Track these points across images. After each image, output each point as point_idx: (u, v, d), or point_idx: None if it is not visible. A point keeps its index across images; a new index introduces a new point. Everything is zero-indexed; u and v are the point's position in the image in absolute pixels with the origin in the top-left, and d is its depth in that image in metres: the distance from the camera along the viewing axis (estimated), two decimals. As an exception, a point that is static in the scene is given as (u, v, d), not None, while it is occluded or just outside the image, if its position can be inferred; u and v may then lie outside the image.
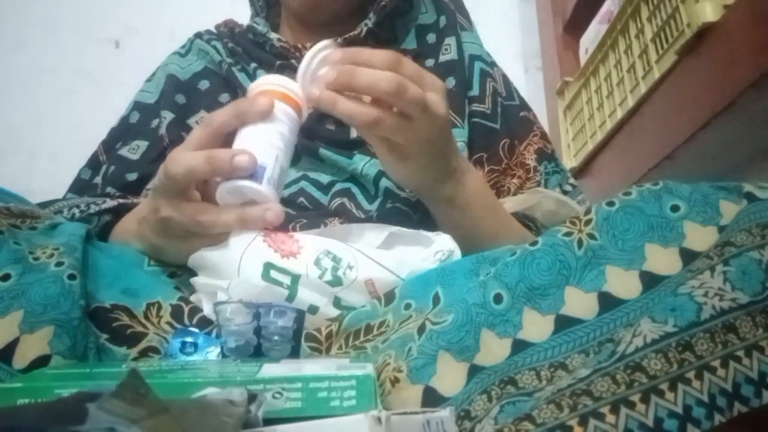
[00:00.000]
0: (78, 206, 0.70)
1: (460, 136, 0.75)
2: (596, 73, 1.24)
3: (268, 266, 0.51)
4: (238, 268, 0.52)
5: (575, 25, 1.43)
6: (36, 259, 0.48)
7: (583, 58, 1.35)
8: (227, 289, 0.52)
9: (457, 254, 0.56)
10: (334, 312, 0.51)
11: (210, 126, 0.54)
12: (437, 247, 0.56)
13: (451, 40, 0.80)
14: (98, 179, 0.80)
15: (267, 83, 0.56)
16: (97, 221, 0.69)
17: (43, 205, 0.70)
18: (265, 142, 0.54)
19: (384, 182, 0.70)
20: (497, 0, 1.61)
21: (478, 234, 0.63)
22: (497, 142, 0.77)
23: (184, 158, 0.52)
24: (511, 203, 0.73)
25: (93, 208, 0.69)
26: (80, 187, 0.80)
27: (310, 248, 0.52)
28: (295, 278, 0.51)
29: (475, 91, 0.79)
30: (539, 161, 0.78)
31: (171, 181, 0.53)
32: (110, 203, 0.70)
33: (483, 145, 0.77)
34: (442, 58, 0.79)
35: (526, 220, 0.72)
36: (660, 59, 0.97)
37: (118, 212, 0.70)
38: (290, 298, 0.51)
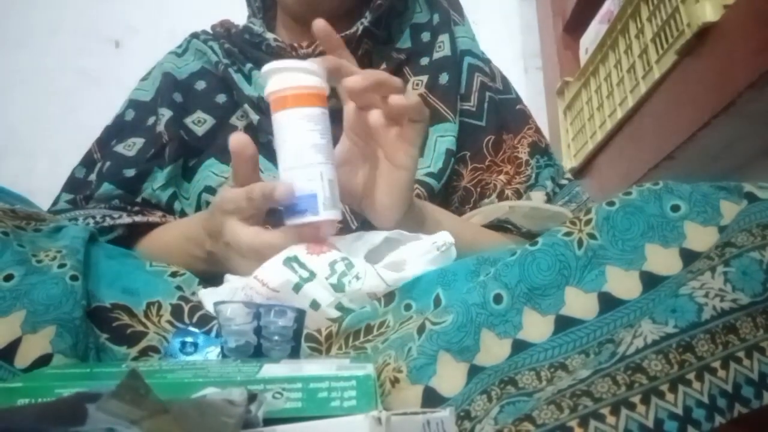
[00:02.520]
0: (93, 217, 0.71)
1: (451, 130, 0.75)
2: (596, 73, 1.24)
3: (293, 258, 0.52)
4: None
5: (575, 25, 1.43)
6: (39, 261, 0.48)
7: (583, 58, 1.35)
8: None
9: (454, 250, 0.56)
10: (335, 313, 0.51)
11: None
12: (437, 239, 0.55)
13: (444, 37, 0.80)
14: (92, 177, 0.80)
15: (285, 87, 0.53)
16: (109, 233, 0.69)
17: (56, 212, 0.71)
18: (305, 164, 0.53)
19: None
20: (497, 0, 1.61)
21: (459, 244, 0.62)
22: (481, 140, 0.77)
23: (232, 196, 0.55)
24: (477, 218, 0.73)
25: (108, 222, 0.70)
26: (74, 185, 0.80)
27: (334, 253, 0.53)
28: (311, 275, 0.51)
29: (462, 89, 0.79)
30: (532, 155, 0.78)
31: (224, 214, 0.56)
32: (126, 219, 0.71)
33: (467, 144, 0.77)
34: (436, 55, 0.79)
35: (504, 223, 0.72)
36: (660, 59, 0.97)
37: (132, 227, 0.71)
38: (297, 287, 0.51)
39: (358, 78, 0.53)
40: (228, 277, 0.58)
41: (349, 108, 0.58)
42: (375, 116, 0.56)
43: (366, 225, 0.67)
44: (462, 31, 0.83)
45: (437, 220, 0.65)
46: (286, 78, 0.53)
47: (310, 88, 0.53)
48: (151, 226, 0.73)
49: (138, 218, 0.73)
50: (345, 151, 0.59)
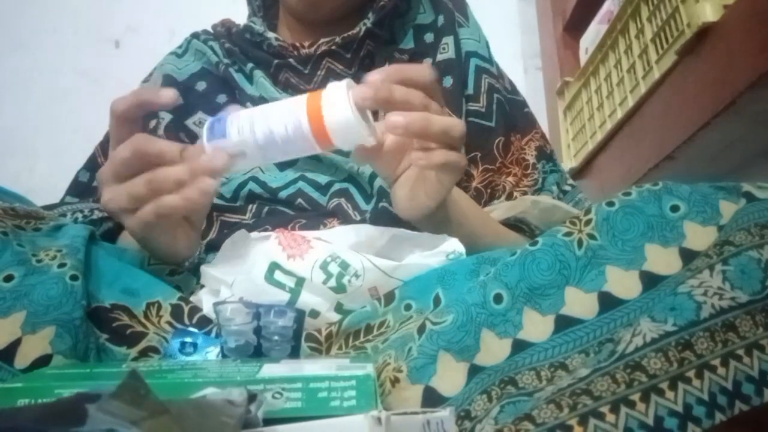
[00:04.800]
0: (81, 211, 0.70)
1: None
2: (596, 73, 1.24)
3: (273, 266, 0.51)
4: (246, 262, 0.53)
5: (575, 25, 1.43)
6: (39, 261, 0.48)
7: (583, 58, 1.35)
8: (231, 286, 0.52)
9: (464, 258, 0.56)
10: (336, 317, 0.51)
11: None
12: (447, 248, 0.55)
13: (449, 39, 0.80)
14: (96, 182, 0.80)
15: (330, 117, 0.49)
16: (99, 227, 0.69)
17: (47, 208, 0.70)
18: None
19: (379, 181, 0.70)
20: (497, 0, 1.61)
21: (474, 246, 0.62)
22: (492, 141, 0.77)
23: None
24: (498, 211, 0.73)
25: (96, 214, 0.69)
26: (78, 189, 0.80)
27: (318, 251, 0.52)
28: (300, 281, 0.51)
29: (469, 90, 0.79)
30: (538, 159, 0.79)
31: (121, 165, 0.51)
32: None
33: (477, 145, 0.77)
34: (440, 57, 0.79)
35: (519, 223, 0.72)
36: (660, 59, 0.97)
37: None
38: (291, 302, 0.51)
39: (399, 119, 0.49)
40: (203, 270, 0.57)
41: None
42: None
43: (363, 220, 0.68)
44: (467, 32, 0.83)
45: (459, 224, 0.62)
46: (337, 97, 0.49)
47: (328, 122, 0.49)
48: None
49: None
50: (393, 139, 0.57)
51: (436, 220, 0.60)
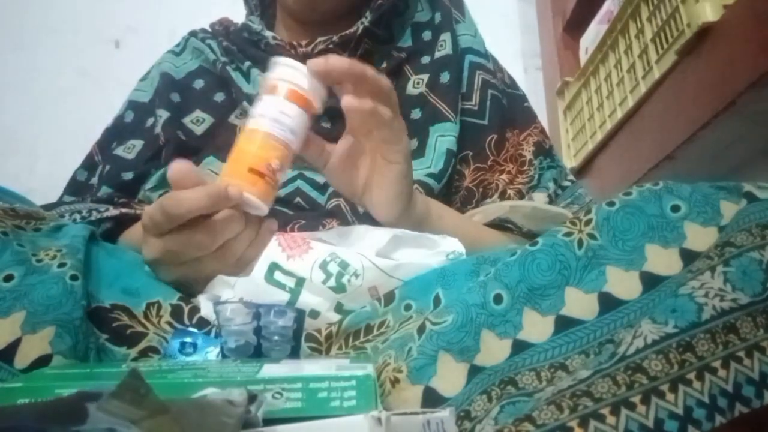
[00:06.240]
0: (80, 212, 0.70)
1: (452, 130, 0.75)
2: (596, 73, 1.24)
3: (273, 267, 0.51)
4: None
5: (575, 25, 1.43)
6: (39, 261, 0.48)
7: (583, 58, 1.35)
8: (233, 287, 0.52)
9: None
10: (336, 317, 0.51)
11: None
12: (447, 248, 0.55)
13: (446, 36, 0.80)
14: (94, 180, 0.80)
15: (282, 78, 0.56)
16: (98, 227, 0.69)
17: (45, 208, 0.70)
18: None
19: None
20: (497, 0, 1.61)
21: (461, 242, 0.62)
22: (483, 139, 0.77)
23: (185, 198, 0.51)
24: (478, 216, 0.73)
25: (95, 215, 0.69)
26: (76, 188, 0.80)
27: (318, 251, 0.52)
28: (300, 281, 0.51)
29: (463, 88, 0.79)
30: (536, 155, 0.78)
31: (170, 220, 0.51)
32: (113, 212, 0.70)
33: (469, 143, 0.77)
34: (438, 54, 0.79)
35: (505, 223, 0.72)
36: (660, 59, 0.97)
37: (120, 220, 0.70)
38: (291, 302, 0.51)
39: (337, 59, 0.55)
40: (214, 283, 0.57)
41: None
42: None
43: (363, 220, 0.68)
44: (463, 28, 0.83)
45: (440, 216, 0.65)
46: (287, 72, 0.56)
47: (302, 88, 0.56)
48: (137, 219, 0.72)
49: (125, 210, 0.72)
50: (348, 146, 0.59)
51: (417, 217, 0.61)
